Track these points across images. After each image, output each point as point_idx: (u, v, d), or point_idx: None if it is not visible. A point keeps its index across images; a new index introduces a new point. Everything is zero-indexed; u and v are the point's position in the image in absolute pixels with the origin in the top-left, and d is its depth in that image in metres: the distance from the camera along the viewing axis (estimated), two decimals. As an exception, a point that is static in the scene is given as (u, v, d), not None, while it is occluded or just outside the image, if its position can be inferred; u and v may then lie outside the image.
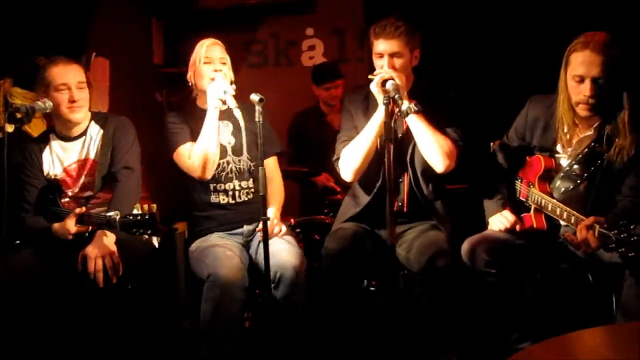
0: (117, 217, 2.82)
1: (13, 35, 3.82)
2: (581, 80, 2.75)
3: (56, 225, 3.02)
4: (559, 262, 3.00)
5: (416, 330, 3.02)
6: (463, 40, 4.58)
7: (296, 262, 3.00)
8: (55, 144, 3.24)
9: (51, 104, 3.08)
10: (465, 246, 2.98)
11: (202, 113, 3.20)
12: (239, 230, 3.30)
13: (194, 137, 3.21)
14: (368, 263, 3.10)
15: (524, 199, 3.08)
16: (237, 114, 2.96)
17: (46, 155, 3.23)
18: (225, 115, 3.22)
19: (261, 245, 3.09)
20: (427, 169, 3.06)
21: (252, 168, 3.28)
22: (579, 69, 2.74)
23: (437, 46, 3.89)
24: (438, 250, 2.90)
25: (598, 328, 2.35)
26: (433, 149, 2.96)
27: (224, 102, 3.07)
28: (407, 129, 3.04)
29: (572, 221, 2.75)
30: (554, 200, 2.89)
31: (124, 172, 3.20)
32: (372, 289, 3.52)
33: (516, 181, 3.15)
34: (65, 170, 3.22)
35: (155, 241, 3.27)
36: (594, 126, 2.88)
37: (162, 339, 3.18)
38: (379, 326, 3.21)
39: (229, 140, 3.29)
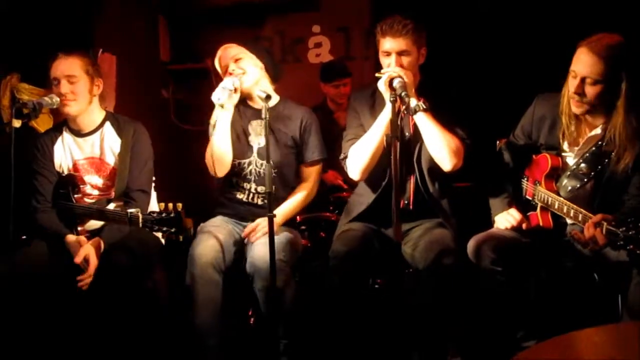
0: (140, 215, 2.83)
1: (19, 32, 3.83)
2: (575, 76, 2.78)
3: (70, 239, 3.04)
4: (565, 260, 2.99)
5: (421, 328, 3.02)
6: (469, 38, 4.57)
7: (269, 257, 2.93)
8: (68, 136, 3.26)
9: (58, 99, 3.09)
10: (471, 244, 2.98)
11: (244, 109, 3.30)
12: (243, 223, 3.32)
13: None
14: (375, 263, 3.09)
15: (530, 198, 3.08)
16: (228, 113, 3.10)
17: (58, 146, 3.25)
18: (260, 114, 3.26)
19: (256, 242, 3.14)
20: (434, 167, 3.05)
21: (274, 174, 3.24)
22: (575, 65, 2.78)
23: (443, 44, 3.88)
24: (444, 249, 2.89)
25: (603, 327, 2.36)
26: (441, 147, 2.95)
27: (222, 106, 3.08)
28: (415, 126, 3.03)
29: (580, 219, 2.75)
30: (561, 199, 2.89)
31: (140, 196, 3.21)
32: (377, 286, 3.53)
33: (522, 180, 3.15)
34: (75, 164, 3.24)
35: (162, 239, 3.28)
36: (600, 126, 2.88)
37: (169, 336, 3.20)
38: (384, 324, 3.21)
39: (258, 141, 3.30)
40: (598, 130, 2.89)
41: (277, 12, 5.36)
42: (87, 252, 2.96)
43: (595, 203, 2.88)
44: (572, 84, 2.80)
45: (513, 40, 4.45)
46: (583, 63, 2.73)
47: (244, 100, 3.34)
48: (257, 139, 3.30)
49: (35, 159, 3.21)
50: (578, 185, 2.93)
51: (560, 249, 2.99)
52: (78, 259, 2.93)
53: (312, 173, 3.40)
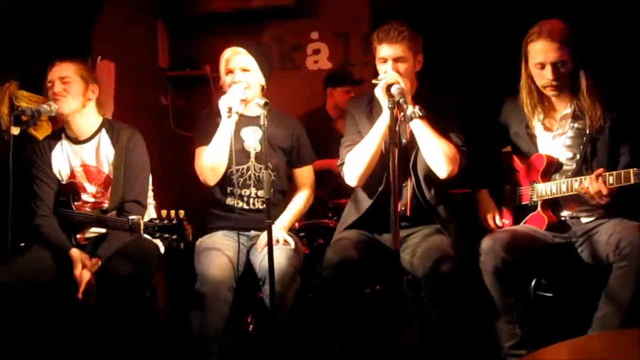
0: (141, 222, 2.82)
1: (18, 39, 3.83)
2: (542, 66, 2.94)
3: (74, 253, 3.04)
4: (563, 267, 3.01)
5: (419, 334, 3.01)
6: (469, 44, 4.56)
7: (283, 263, 3.00)
8: (66, 143, 3.27)
9: (57, 106, 3.10)
10: (487, 242, 2.96)
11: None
12: (246, 233, 3.31)
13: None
14: (370, 271, 3.08)
15: (527, 202, 3.10)
16: (234, 121, 3.05)
17: (56, 153, 3.26)
18: (256, 121, 3.24)
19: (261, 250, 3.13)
20: (430, 174, 3.05)
21: (273, 178, 3.28)
22: (538, 57, 2.93)
23: (442, 50, 3.88)
24: (442, 255, 2.88)
25: (604, 333, 2.36)
26: (436, 154, 2.95)
27: (230, 110, 3.04)
28: (411, 133, 3.03)
29: (584, 184, 2.85)
30: (561, 180, 2.97)
31: (134, 207, 3.19)
32: (375, 294, 3.52)
33: (516, 189, 3.17)
34: (72, 170, 3.24)
35: (161, 247, 3.28)
36: (569, 104, 3.02)
37: (168, 344, 3.19)
38: (382, 330, 3.20)
39: (254, 147, 3.31)
40: (568, 109, 3.02)
41: (275, 18, 5.36)
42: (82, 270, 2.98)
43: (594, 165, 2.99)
44: (543, 74, 2.94)
45: (512, 46, 4.44)
46: (547, 51, 2.90)
47: None
48: (252, 144, 3.31)
49: (35, 164, 3.23)
50: (578, 156, 3.00)
51: (558, 255, 3.01)
52: (77, 272, 2.96)
53: (307, 176, 3.48)
